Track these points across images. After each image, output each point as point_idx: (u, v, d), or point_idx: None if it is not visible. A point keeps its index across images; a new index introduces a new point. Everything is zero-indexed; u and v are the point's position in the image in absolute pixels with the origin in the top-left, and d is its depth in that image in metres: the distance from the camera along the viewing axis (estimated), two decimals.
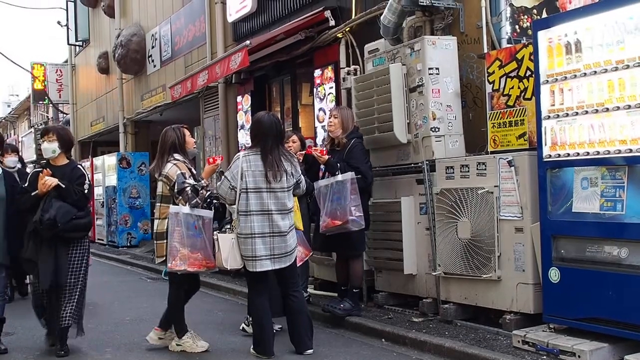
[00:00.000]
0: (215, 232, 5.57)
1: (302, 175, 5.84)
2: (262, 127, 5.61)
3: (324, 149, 6.85)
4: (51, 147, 5.86)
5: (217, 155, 6.20)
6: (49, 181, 5.65)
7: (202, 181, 5.90)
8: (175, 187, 5.68)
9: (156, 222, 5.98)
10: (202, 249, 5.68)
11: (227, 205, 6.02)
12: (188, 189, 5.67)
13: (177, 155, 5.89)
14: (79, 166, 6.07)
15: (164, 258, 5.87)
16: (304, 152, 7.05)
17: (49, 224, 5.54)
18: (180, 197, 5.69)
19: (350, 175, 6.35)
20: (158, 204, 5.98)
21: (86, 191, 5.89)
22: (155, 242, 6.01)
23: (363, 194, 6.54)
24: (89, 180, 5.96)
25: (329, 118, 7.01)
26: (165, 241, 5.81)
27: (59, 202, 5.65)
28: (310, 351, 5.66)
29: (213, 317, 7.51)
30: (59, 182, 5.67)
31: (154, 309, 8.02)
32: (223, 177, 5.55)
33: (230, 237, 5.45)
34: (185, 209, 5.66)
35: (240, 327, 6.61)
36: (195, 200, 5.70)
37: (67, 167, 5.94)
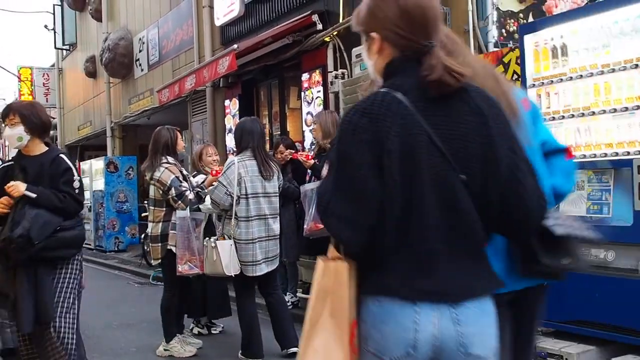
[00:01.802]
0: (212, 239, 5.57)
1: (282, 181, 5.93)
2: (246, 129, 5.67)
3: (310, 153, 6.87)
4: (15, 133, 4.18)
5: (220, 167, 6.23)
6: (13, 190, 4.05)
7: (205, 190, 5.92)
8: (174, 192, 5.70)
9: (150, 225, 6.00)
10: (203, 252, 5.79)
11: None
12: (187, 192, 5.72)
13: (169, 158, 5.90)
14: (61, 156, 4.29)
15: (159, 260, 5.94)
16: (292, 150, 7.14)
17: (21, 242, 3.90)
18: (180, 202, 5.71)
19: None
20: (151, 207, 6.00)
21: (77, 190, 4.21)
22: (150, 244, 6.03)
23: None
24: (78, 176, 4.31)
25: (313, 124, 7.06)
26: (159, 244, 5.86)
27: (34, 209, 4.00)
28: (296, 349, 5.65)
29: None
30: (25, 192, 4.04)
31: (141, 313, 7.99)
32: (217, 182, 5.54)
33: (229, 244, 5.45)
34: (189, 213, 5.76)
35: (196, 332, 6.69)
36: (196, 205, 5.85)
37: (45, 157, 4.24)
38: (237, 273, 5.44)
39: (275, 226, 5.62)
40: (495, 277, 1.97)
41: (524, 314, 2.40)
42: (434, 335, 1.82)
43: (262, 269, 5.51)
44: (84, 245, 6.09)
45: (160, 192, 5.80)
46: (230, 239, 5.44)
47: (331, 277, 1.94)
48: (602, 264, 4.87)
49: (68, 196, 4.13)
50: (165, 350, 5.95)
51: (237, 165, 5.46)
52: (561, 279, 2.29)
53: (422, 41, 1.92)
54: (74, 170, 4.26)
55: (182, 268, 5.71)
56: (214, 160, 6.81)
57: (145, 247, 12.17)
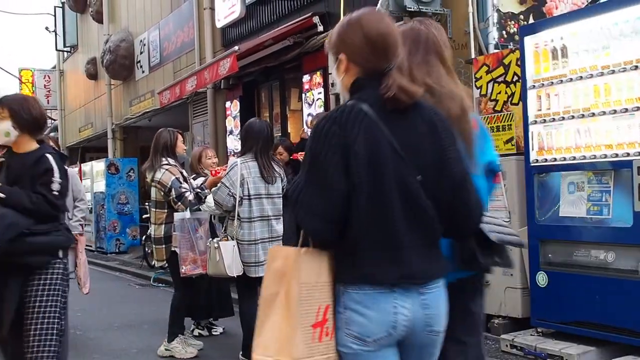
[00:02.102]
0: (215, 240, 5.58)
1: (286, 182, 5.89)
2: (252, 131, 5.64)
3: None
4: (2, 128, 3.83)
5: (220, 167, 6.28)
6: None
7: (205, 190, 5.93)
8: (173, 193, 5.72)
9: (152, 227, 6.02)
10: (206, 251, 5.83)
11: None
12: (187, 194, 5.73)
13: (170, 160, 5.92)
14: (47, 156, 3.87)
15: (164, 262, 5.95)
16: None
17: None
18: (180, 203, 5.73)
19: None
20: (153, 209, 6.01)
21: (55, 193, 3.78)
22: (153, 246, 6.04)
23: None
24: (61, 179, 3.85)
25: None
26: (163, 246, 5.89)
27: (2, 209, 3.66)
28: None
29: None
30: None
31: (142, 315, 8.00)
32: (220, 183, 5.54)
33: (231, 244, 5.45)
34: (188, 214, 5.78)
35: (196, 333, 6.68)
36: (196, 206, 5.84)
37: (31, 156, 3.86)
38: (240, 274, 5.44)
39: (279, 227, 5.60)
40: (447, 263, 2.36)
41: (463, 300, 2.68)
42: (408, 319, 2.18)
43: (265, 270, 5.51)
44: (86, 248, 6.09)
45: (162, 193, 5.81)
46: (233, 239, 5.44)
47: (281, 261, 2.24)
48: (602, 265, 4.89)
49: (42, 198, 3.73)
50: (166, 350, 5.95)
51: (239, 167, 5.45)
52: (489, 272, 2.72)
53: (382, 64, 2.25)
54: (57, 172, 3.85)
55: (185, 269, 5.72)
56: (213, 163, 6.83)
57: (147, 249, 12.19)
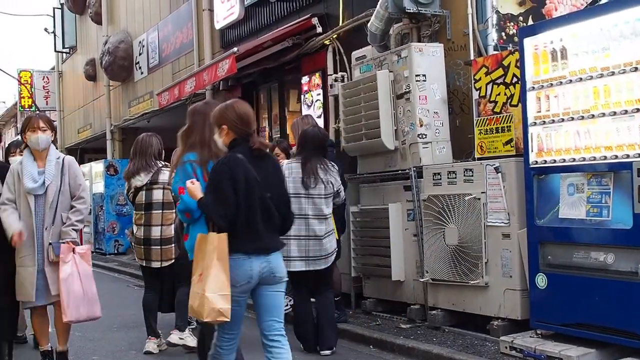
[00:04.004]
0: None
1: (341, 186, 6.09)
2: (306, 138, 6.02)
3: None
4: None
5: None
6: None
7: None
8: None
9: (158, 228, 6.16)
10: None
11: None
12: None
13: (164, 163, 6.12)
14: None
15: (171, 261, 6.17)
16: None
17: None
18: None
19: None
20: (159, 211, 6.15)
21: None
22: (160, 247, 6.18)
23: None
24: None
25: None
26: (173, 245, 6.08)
27: None
28: (328, 351, 5.91)
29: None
30: None
31: (141, 316, 7.95)
32: None
33: None
34: None
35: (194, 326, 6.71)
36: None
37: None
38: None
39: (320, 227, 5.82)
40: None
41: None
42: (260, 272, 3.86)
43: (296, 266, 5.76)
44: None
45: (173, 194, 5.89)
46: None
47: (214, 243, 3.77)
48: (602, 267, 4.88)
49: None
50: (180, 339, 6.09)
51: (284, 168, 5.60)
52: None
53: (247, 130, 3.99)
54: None
55: None
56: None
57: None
